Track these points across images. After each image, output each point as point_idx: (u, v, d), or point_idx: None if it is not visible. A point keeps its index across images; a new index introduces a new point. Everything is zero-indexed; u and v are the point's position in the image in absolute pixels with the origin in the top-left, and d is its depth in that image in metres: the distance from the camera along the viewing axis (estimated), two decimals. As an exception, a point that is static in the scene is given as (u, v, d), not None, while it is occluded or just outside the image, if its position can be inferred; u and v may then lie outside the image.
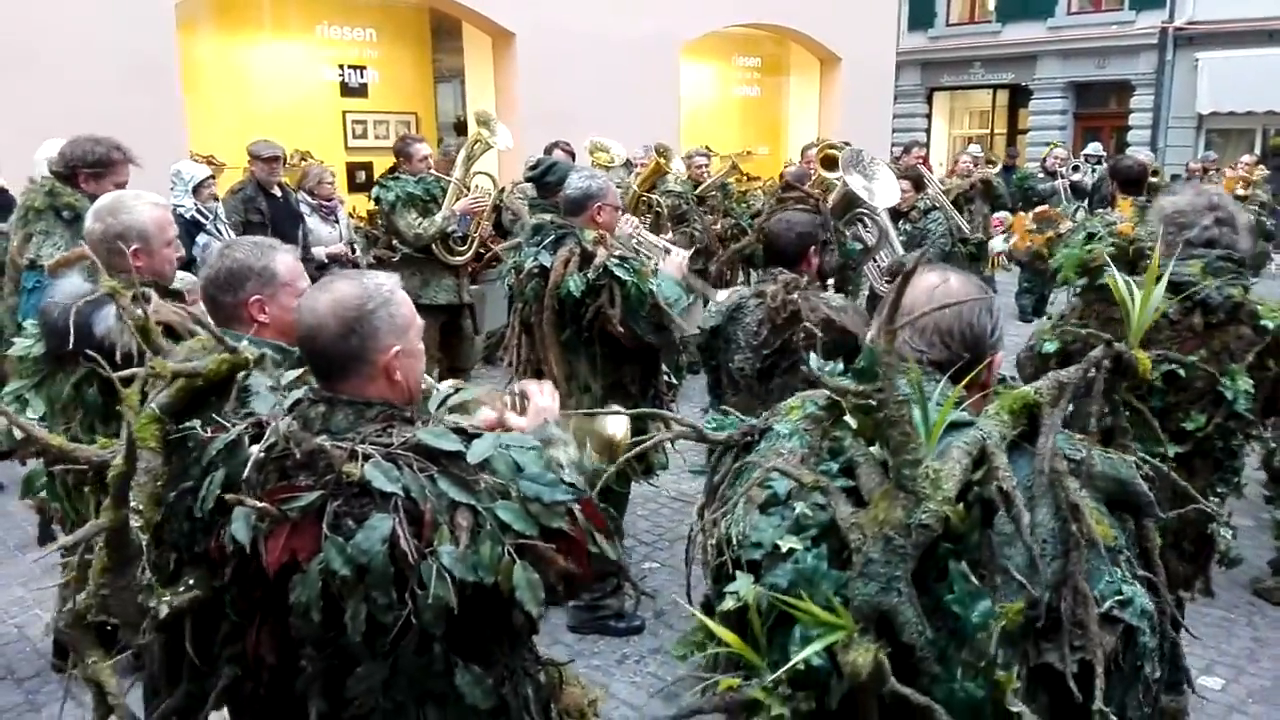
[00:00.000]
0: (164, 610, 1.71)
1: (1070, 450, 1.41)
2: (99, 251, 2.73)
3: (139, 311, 1.95)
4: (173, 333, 2.39)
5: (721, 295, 5.18)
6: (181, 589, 1.74)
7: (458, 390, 2.01)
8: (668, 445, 4.24)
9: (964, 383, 1.42)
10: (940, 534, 1.24)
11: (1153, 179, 9.79)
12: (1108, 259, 3.21)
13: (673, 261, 4.17)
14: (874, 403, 1.28)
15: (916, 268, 1.46)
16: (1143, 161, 7.48)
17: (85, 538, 1.63)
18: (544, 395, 2.18)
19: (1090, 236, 6.32)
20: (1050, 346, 3.18)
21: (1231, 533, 3.13)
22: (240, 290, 2.20)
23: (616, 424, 2.83)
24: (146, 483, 1.81)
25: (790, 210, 4.74)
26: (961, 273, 1.64)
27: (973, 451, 1.29)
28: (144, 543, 1.72)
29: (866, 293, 7.16)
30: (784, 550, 1.34)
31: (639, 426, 2.49)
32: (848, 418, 1.44)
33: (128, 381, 1.86)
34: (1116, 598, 1.30)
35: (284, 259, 2.31)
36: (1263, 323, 2.94)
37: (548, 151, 7.17)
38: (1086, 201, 9.91)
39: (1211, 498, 3.01)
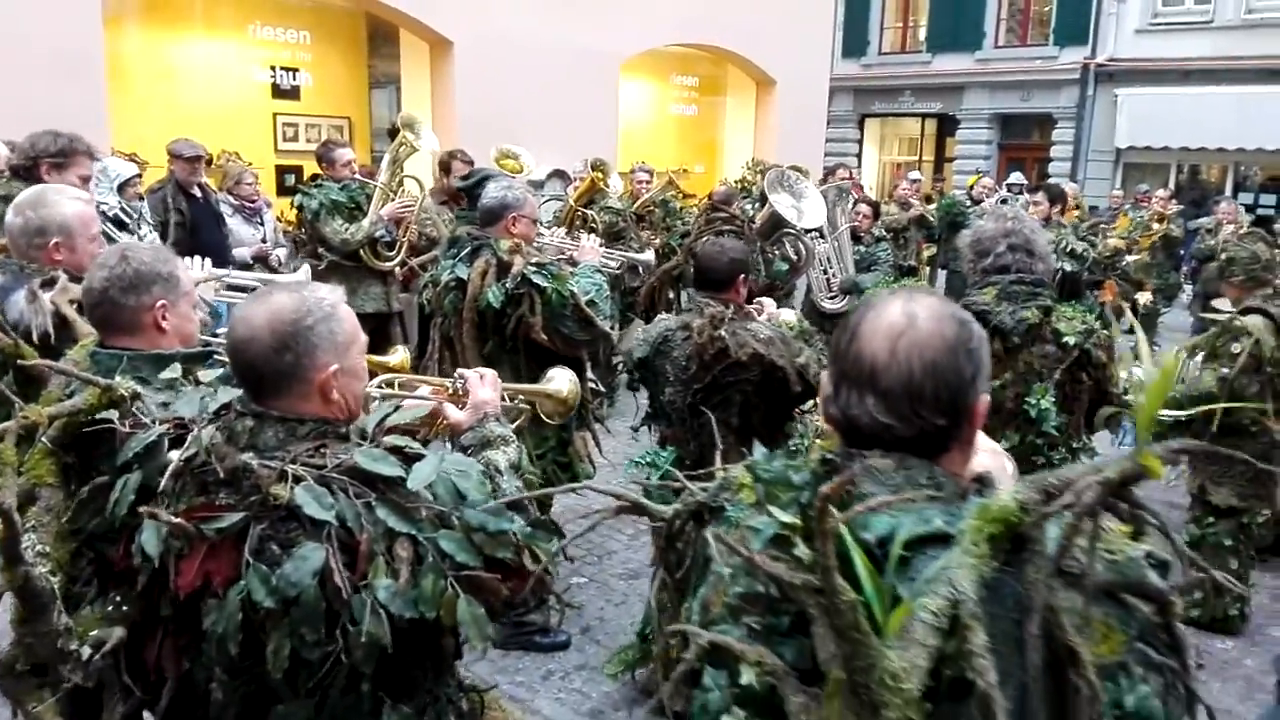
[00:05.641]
0: (86, 652, 1.65)
1: (1065, 562, 1.14)
2: (18, 245, 2.70)
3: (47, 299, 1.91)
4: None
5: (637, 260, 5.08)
6: (110, 607, 1.67)
7: (398, 408, 1.88)
8: (597, 457, 4.24)
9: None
10: None
11: (1075, 211, 10.17)
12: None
13: (587, 248, 4.16)
14: (818, 592, 1.08)
15: (869, 307, 1.26)
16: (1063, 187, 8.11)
17: None
18: (485, 387, 2.09)
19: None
20: None
21: None
22: (145, 294, 2.11)
23: (560, 381, 2.81)
24: (50, 521, 1.75)
25: (722, 235, 4.79)
26: (930, 297, 1.29)
27: (942, 624, 1.05)
28: (55, 585, 1.64)
29: (800, 308, 7.23)
30: None
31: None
32: (799, 550, 1.16)
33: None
34: (1114, 712, 1.10)
35: (183, 267, 2.28)
36: (1065, 339, 3.02)
37: (442, 164, 6.95)
38: None
39: None
